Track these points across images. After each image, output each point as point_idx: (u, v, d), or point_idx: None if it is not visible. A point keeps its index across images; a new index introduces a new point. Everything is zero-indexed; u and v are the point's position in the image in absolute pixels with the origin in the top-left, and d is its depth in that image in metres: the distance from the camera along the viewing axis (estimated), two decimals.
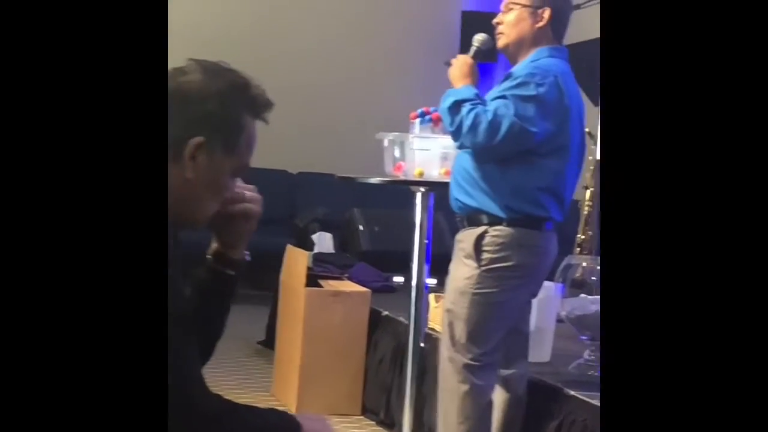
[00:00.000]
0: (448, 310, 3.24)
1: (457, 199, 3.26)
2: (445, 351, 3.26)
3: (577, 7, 4.61)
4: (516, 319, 3.31)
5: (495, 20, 3.30)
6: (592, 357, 3.64)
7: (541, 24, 3.22)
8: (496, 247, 3.15)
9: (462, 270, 3.20)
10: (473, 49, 3.33)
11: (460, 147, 3.17)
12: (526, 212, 3.15)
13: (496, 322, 3.20)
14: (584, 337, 3.67)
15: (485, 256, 3.15)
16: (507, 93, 3.09)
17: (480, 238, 3.15)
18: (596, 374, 3.58)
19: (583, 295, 3.69)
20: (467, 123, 3.05)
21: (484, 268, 3.16)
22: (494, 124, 3.03)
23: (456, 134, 3.10)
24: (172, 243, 1.66)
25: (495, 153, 3.10)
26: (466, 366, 3.19)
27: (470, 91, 3.14)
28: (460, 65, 3.24)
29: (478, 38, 3.35)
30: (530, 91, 3.07)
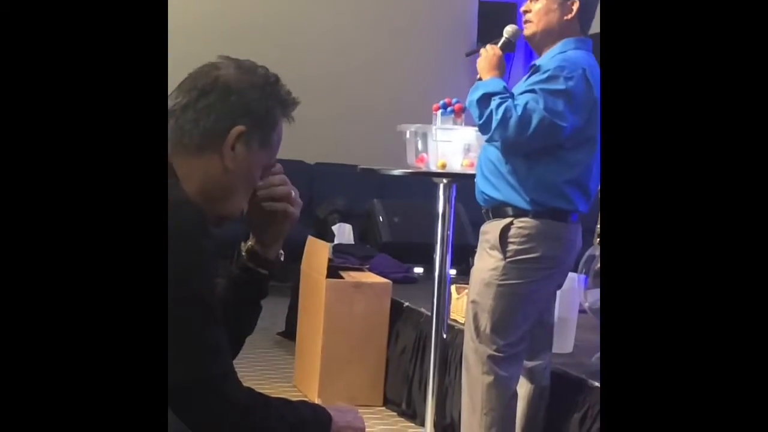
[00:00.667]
0: (473, 302, 3.24)
1: (483, 192, 3.25)
2: (469, 342, 3.26)
3: None
4: (541, 310, 3.31)
5: (523, 8, 3.28)
6: None
7: (569, 16, 3.20)
8: (522, 239, 3.14)
9: (487, 261, 3.21)
10: (503, 40, 3.32)
11: (490, 140, 3.16)
12: (552, 205, 3.14)
13: (522, 314, 3.20)
14: None
15: (511, 247, 3.15)
16: (536, 87, 3.07)
17: (506, 229, 3.15)
18: None
19: None
20: (497, 117, 3.04)
21: (509, 259, 3.16)
22: (524, 118, 3.02)
23: (485, 127, 3.10)
24: (209, 237, 1.67)
25: (524, 147, 3.09)
26: (491, 357, 3.19)
27: (499, 84, 3.14)
28: (489, 57, 3.23)
29: (509, 30, 3.33)
30: (559, 85, 3.06)
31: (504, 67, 3.23)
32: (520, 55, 7.74)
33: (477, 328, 3.22)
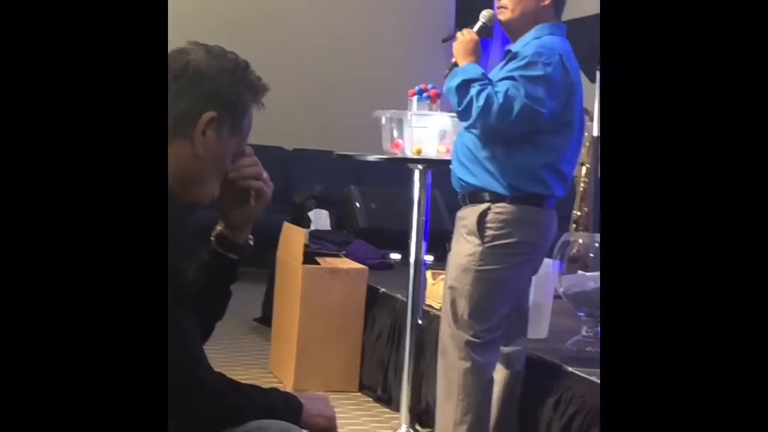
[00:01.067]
0: (451, 288, 3.24)
1: (459, 178, 3.25)
2: (446, 328, 3.26)
3: None
4: (518, 296, 3.32)
5: None
6: (590, 333, 3.65)
7: (546, 2, 3.21)
8: (500, 224, 3.15)
9: (465, 247, 3.21)
10: (479, 24, 3.30)
11: (469, 127, 3.14)
12: (530, 190, 3.15)
13: (500, 299, 3.21)
14: (581, 314, 3.68)
15: (488, 233, 3.16)
16: (515, 74, 3.07)
17: (483, 215, 3.16)
18: (594, 350, 3.60)
19: (580, 272, 3.70)
20: (478, 104, 3.04)
21: (487, 245, 3.16)
22: (506, 105, 3.02)
23: (464, 114, 3.09)
24: (178, 223, 1.66)
25: (505, 134, 3.10)
26: (468, 343, 3.19)
27: (477, 70, 3.13)
28: (466, 42, 3.21)
29: (485, 14, 3.32)
30: (538, 71, 3.06)
31: (480, 52, 3.22)
32: (497, 41, 7.74)
33: (454, 313, 3.23)
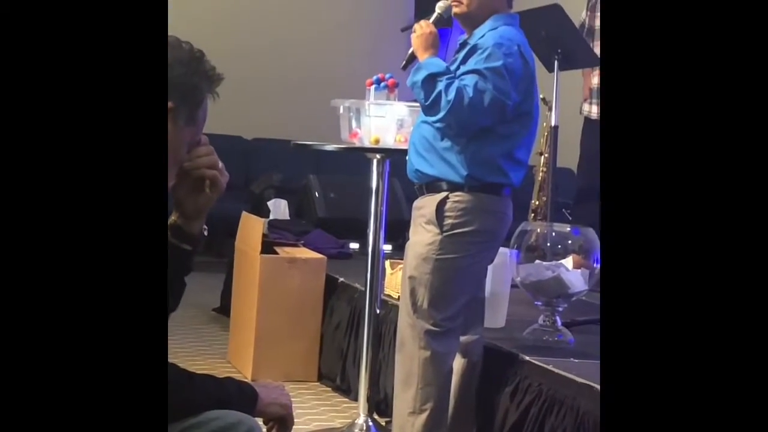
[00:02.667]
0: (410, 277, 3.24)
1: (417, 169, 3.25)
2: (405, 317, 3.27)
3: None
4: (477, 284, 3.33)
5: None
6: (547, 322, 3.67)
7: None
8: (458, 213, 3.16)
9: (423, 236, 3.22)
10: (435, 15, 3.29)
11: (439, 121, 3.11)
12: (488, 180, 3.17)
13: (459, 288, 3.22)
14: (539, 303, 3.70)
15: (447, 221, 3.17)
16: (480, 67, 3.07)
17: (441, 204, 3.17)
18: (550, 339, 3.62)
19: (537, 261, 3.71)
20: (449, 99, 3.03)
21: (446, 233, 3.17)
22: (477, 99, 3.02)
23: (432, 109, 3.07)
24: None
25: (474, 127, 3.11)
26: (428, 332, 3.20)
27: (441, 64, 3.13)
28: (425, 35, 3.20)
29: (441, 5, 3.30)
30: (501, 63, 3.07)
31: (438, 44, 3.22)
32: (457, 30, 7.75)
33: (414, 303, 3.23)
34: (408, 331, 3.25)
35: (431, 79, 3.07)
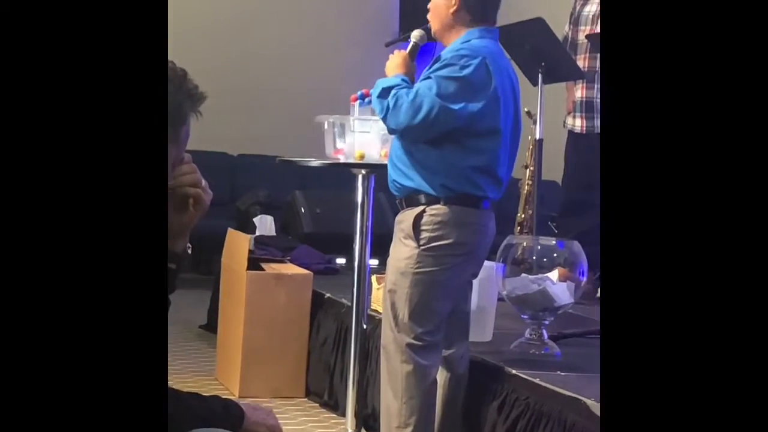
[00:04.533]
0: (390, 291, 3.27)
1: (394, 181, 3.30)
2: (388, 332, 3.28)
3: None
4: (458, 298, 3.34)
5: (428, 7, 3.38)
6: (533, 336, 3.67)
7: (453, 8, 3.27)
8: (435, 226, 3.20)
9: (402, 250, 3.25)
10: (411, 45, 3.41)
11: (390, 131, 3.26)
12: (463, 191, 3.20)
13: (439, 301, 3.24)
14: (525, 316, 3.70)
15: (424, 235, 3.20)
16: (432, 74, 3.15)
17: (418, 217, 3.21)
18: (537, 353, 3.62)
19: (523, 275, 3.71)
20: (390, 104, 3.13)
21: (423, 247, 3.20)
22: (415, 103, 3.09)
23: (384, 119, 3.19)
24: None
25: (419, 132, 3.16)
26: (410, 345, 3.22)
27: (398, 79, 3.22)
28: (395, 58, 3.32)
29: (415, 34, 3.42)
30: (455, 72, 3.13)
31: (409, 66, 3.31)
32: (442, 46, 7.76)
33: (395, 317, 3.25)
34: (391, 345, 3.27)
35: (385, 93, 3.17)
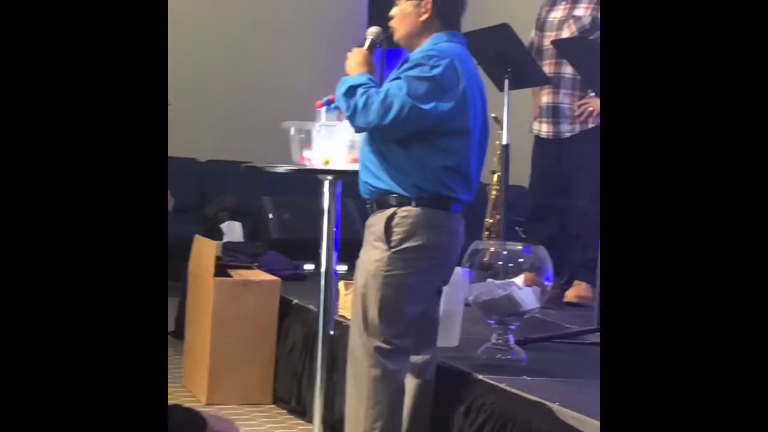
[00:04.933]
0: (361, 294, 3.25)
1: (365, 183, 3.29)
2: (356, 336, 3.27)
3: None
4: (428, 303, 3.33)
5: (390, 14, 3.36)
6: (500, 341, 3.68)
7: (425, 16, 3.27)
8: (405, 228, 3.19)
9: (372, 253, 3.24)
10: (367, 41, 3.40)
11: (357, 130, 3.23)
12: (434, 192, 3.19)
13: (409, 305, 3.24)
14: (491, 321, 3.71)
15: (395, 237, 3.19)
16: (401, 74, 3.15)
17: (389, 219, 3.19)
18: (503, 358, 3.63)
19: (490, 280, 3.72)
20: (360, 104, 3.11)
21: (394, 249, 3.19)
22: (385, 102, 3.08)
23: (351, 117, 3.17)
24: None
25: (389, 132, 3.15)
26: (378, 349, 3.21)
27: (364, 77, 3.21)
28: (355, 56, 3.31)
29: (371, 31, 3.42)
30: (425, 72, 3.13)
31: (372, 64, 3.31)
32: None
33: (365, 320, 3.24)
34: (359, 350, 3.26)
35: (351, 91, 3.16)
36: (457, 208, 3.26)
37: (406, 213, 3.19)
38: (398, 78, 3.14)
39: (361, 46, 3.41)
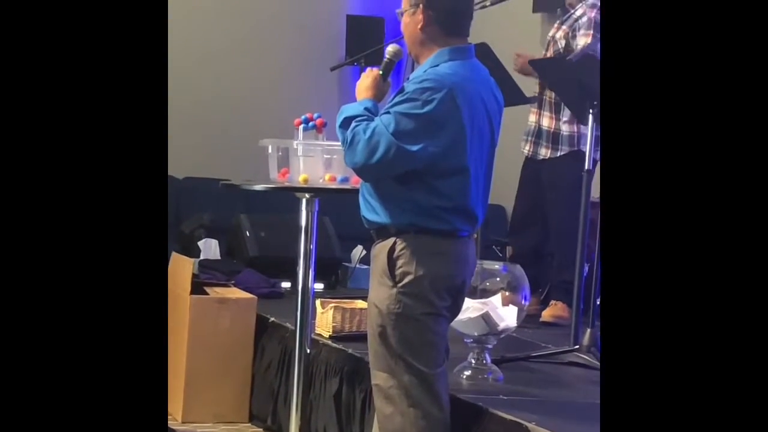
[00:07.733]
0: (379, 334, 3.07)
1: (364, 216, 3.16)
2: (387, 378, 3.07)
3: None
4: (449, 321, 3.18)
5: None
6: (477, 359, 3.68)
7: (421, 24, 3.09)
8: (407, 260, 3.03)
9: (380, 291, 3.08)
10: (384, 62, 3.20)
11: (349, 166, 3.07)
12: (433, 227, 3.04)
13: (431, 335, 3.07)
14: (468, 340, 3.71)
15: (398, 271, 3.04)
16: (392, 109, 2.98)
17: (390, 252, 3.05)
18: (480, 377, 3.64)
19: (467, 299, 3.71)
20: (348, 140, 2.98)
21: (399, 285, 3.04)
22: (371, 142, 2.94)
23: (345, 152, 3.04)
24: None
25: (376, 172, 3.02)
26: (414, 385, 3.03)
27: (360, 107, 3.06)
28: (365, 79, 3.16)
29: (389, 50, 3.22)
30: (416, 108, 2.96)
31: (381, 88, 3.16)
32: None
33: (392, 357, 3.05)
34: (394, 391, 3.05)
35: (347, 123, 3.02)
36: (463, 234, 3.10)
37: (406, 243, 3.03)
38: (387, 113, 2.97)
39: (341, 65, 3.37)
